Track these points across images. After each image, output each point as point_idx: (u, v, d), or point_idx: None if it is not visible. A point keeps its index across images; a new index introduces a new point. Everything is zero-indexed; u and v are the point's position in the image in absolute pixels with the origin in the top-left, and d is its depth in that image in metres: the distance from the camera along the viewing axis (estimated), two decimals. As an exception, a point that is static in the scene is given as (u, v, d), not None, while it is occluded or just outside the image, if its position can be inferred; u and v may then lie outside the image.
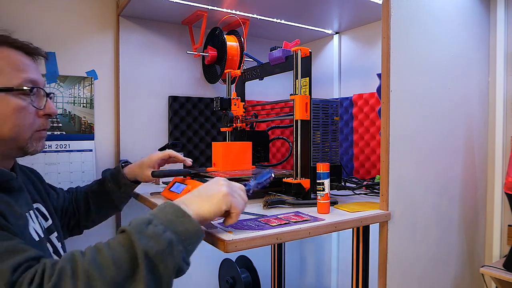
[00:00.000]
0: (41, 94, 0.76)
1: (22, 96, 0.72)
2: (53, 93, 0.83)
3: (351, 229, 1.00)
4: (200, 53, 1.58)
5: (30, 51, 0.76)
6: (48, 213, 0.85)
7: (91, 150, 1.48)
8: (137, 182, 1.11)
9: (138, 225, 0.57)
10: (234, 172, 1.12)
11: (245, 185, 0.75)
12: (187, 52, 1.59)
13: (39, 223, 0.78)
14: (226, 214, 0.69)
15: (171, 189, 1.07)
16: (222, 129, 1.33)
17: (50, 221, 0.84)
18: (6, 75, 0.70)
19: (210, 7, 1.42)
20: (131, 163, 1.12)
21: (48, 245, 0.79)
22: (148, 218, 0.59)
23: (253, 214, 0.88)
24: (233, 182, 0.73)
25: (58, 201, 0.98)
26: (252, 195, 0.81)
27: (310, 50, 1.03)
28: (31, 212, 0.77)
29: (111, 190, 1.09)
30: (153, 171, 1.05)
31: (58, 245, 0.85)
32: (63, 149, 1.43)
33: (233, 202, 0.68)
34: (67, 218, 1.03)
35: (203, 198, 0.67)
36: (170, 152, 1.11)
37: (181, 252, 0.58)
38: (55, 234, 0.84)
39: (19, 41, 0.74)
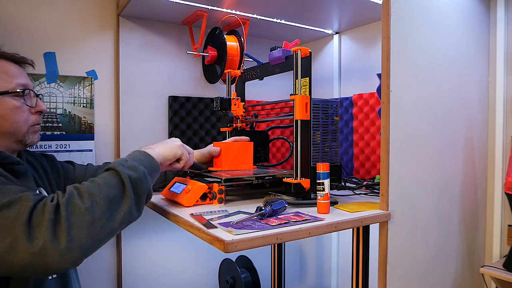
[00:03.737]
0: (31, 95, 0.90)
1: (16, 98, 0.86)
2: (42, 94, 1.05)
3: (351, 229, 1.00)
4: (200, 53, 1.58)
5: (18, 60, 0.90)
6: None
7: (91, 150, 1.48)
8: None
9: (118, 161, 0.78)
10: (236, 172, 1.12)
11: (262, 209, 0.86)
12: (187, 52, 1.59)
13: None
14: (178, 160, 0.98)
15: (171, 189, 1.07)
16: (222, 129, 1.33)
17: None
18: (1, 81, 0.84)
19: (210, 7, 1.42)
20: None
21: None
22: (125, 159, 0.81)
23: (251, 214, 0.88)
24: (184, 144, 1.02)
25: (74, 173, 1.08)
26: (253, 197, 0.79)
27: (310, 50, 1.03)
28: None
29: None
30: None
31: None
32: (63, 149, 1.43)
33: (184, 152, 0.99)
34: None
35: (165, 145, 0.95)
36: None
37: (149, 181, 0.80)
38: None
39: (8, 52, 0.88)
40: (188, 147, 1.04)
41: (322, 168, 0.91)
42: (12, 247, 0.62)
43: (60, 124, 1.43)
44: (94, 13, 1.49)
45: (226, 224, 0.79)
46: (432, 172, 1.10)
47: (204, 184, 1.00)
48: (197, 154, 1.20)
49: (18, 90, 0.85)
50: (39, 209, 0.65)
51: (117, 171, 0.75)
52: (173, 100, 1.63)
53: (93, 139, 1.49)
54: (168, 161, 0.94)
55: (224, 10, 1.45)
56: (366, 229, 1.02)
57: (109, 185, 0.72)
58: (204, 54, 1.57)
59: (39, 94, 0.94)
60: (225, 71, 1.40)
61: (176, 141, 0.98)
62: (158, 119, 1.62)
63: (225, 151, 1.17)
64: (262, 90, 1.84)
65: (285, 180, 1.03)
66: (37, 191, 0.89)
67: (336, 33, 1.81)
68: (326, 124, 1.07)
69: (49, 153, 1.07)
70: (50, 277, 0.84)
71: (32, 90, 0.90)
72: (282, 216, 0.87)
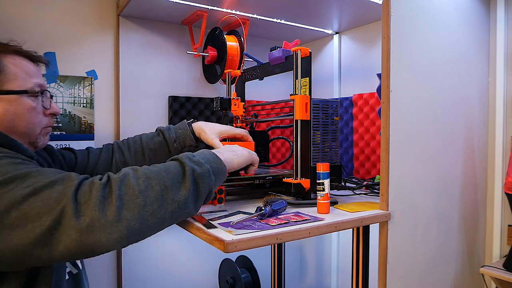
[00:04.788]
0: (47, 96, 0.88)
1: (33, 98, 0.83)
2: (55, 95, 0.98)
3: (351, 229, 1.00)
4: (200, 53, 1.58)
5: (36, 59, 0.88)
6: None
7: (91, 150, 1.48)
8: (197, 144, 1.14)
9: (185, 154, 0.76)
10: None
11: (262, 209, 0.86)
12: (187, 52, 1.59)
13: None
14: (247, 166, 0.97)
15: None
16: (222, 129, 1.33)
17: None
18: (20, 80, 0.81)
19: (210, 7, 1.42)
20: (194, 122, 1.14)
21: None
22: (192, 154, 0.78)
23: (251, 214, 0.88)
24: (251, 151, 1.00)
25: (77, 162, 1.05)
26: (253, 197, 0.83)
27: (310, 50, 1.03)
28: None
29: (175, 150, 1.11)
30: None
31: None
32: (63, 149, 1.42)
33: (255, 158, 0.97)
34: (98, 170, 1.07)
35: (234, 153, 0.91)
36: (243, 133, 1.15)
37: (213, 181, 0.76)
38: None
39: (25, 50, 0.85)
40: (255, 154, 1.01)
41: (322, 168, 0.91)
42: (59, 224, 0.60)
43: (60, 124, 1.43)
44: (94, 13, 1.49)
45: (226, 224, 0.79)
46: (432, 172, 1.10)
47: (204, 184, 1.00)
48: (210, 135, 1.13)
49: (36, 90, 0.83)
50: (85, 186, 0.64)
51: (182, 162, 0.73)
52: (173, 100, 1.63)
53: (93, 139, 1.49)
54: (234, 168, 0.90)
55: (224, 10, 1.45)
56: (366, 229, 1.02)
57: (168, 172, 0.70)
58: (204, 54, 1.57)
59: (53, 96, 0.92)
60: (225, 71, 1.40)
61: (244, 150, 0.95)
62: (158, 119, 1.62)
63: None
64: (262, 90, 1.84)
65: (285, 180, 1.03)
66: None
67: (336, 33, 1.81)
68: (326, 124, 1.07)
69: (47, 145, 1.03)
70: (67, 277, 0.84)
71: (49, 91, 0.88)
72: (282, 216, 0.87)
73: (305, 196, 1.02)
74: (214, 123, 1.16)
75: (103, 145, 1.12)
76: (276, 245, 1.65)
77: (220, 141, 1.13)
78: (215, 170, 0.78)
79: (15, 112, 0.79)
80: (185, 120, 1.15)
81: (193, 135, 1.13)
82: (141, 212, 0.65)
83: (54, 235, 0.60)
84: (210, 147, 1.11)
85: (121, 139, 1.53)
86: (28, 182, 0.63)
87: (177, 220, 0.71)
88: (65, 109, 1.44)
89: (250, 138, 1.20)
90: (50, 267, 0.74)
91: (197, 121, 1.16)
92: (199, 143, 1.14)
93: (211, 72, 1.62)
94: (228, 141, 1.23)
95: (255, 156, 0.98)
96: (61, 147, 1.42)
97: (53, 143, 1.40)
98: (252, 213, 0.86)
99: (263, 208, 0.86)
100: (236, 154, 0.90)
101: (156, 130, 1.15)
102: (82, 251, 0.61)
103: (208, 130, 1.12)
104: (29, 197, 0.61)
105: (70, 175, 0.66)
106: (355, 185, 1.26)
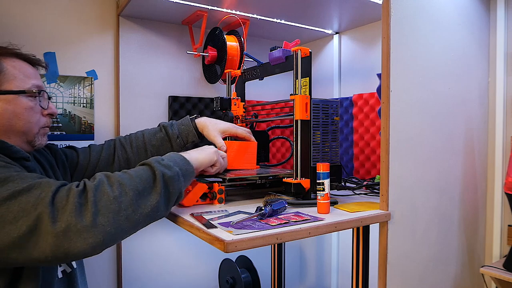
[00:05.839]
0: (45, 96, 0.90)
1: (31, 98, 0.86)
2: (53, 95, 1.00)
3: (351, 229, 1.00)
4: (200, 53, 1.58)
5: (34, 62, 0.91)
6: None
7: (91, 150, 1.48)
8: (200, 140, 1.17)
9: (154, 158, 0.81)
10: (239, 172, 1.12)
11: (262, 209, 0.87)
12: (187, 52, 1.59)
13: None
14: (211, 166, 1.00)
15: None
16: (222, 129, 1.33)
17: None
18: (19, 80, 0.84)
19: (210, 7, 1.42)
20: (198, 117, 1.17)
21: None
22: (161, 157, 0.83)
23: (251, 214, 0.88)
24: (218, 150, 1.06)
25: (78, 160, 1.07)
26: (253, 197, 0.86)
27: (310, 50, 1.03)
28: None
29: (177, 146, 1.13)
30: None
31: None
32: (63, 149, 1.42)
33: (219, 158, 1.02)
34: (100, 167, 1.09)
35: (200, 151, 0.97)
36: (246, 133, 1.19)
37: (182, 182, 0.81)
38: None
39: (24, 53, 0.89)
40: (222, 152, 1.06)
41: (322, 168, 0.91)
42: (36, 229, 0.62)
43: (60, 124, 1.43)
44: (94, 13, 1.49)
45: (226, 224, 0.79)
46: (432, 172, 1.10)
47: (204, 184, 1.00)
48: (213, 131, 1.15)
49: (34, 90, 0.86)
50: (63, 192, 0.66)
51: (151, 166, 0.77)
52: (173, 100, 1.63)
53: (93, 139, 1.49)
54: (203, 166, 0.95)
55: (224, 10, 1.45)
56: (366, 229, 1.02)
57: (140, 178, 0.74)
58: (204, 54, 1.57)
59: (51, 97, 0.94)
60: (225, 71, 1.40)
61: (211, 148, 1.01)
62: (158, 119, 1.61)
63: (229, 150, 1.16)
64: (262, 90, 1.84)
65: (285, 180, 1.03)
66: None
67: (336, 33, 1.81)
68: (326, 124, 1.07)
69: (50, 143, 1.04)
70: (57, 277, 0.84)
71: (46, 92, 0.91)
72: (282, 216, 0.87)
73: (305, 196, 1.02)
74: (218, 120, 1.17)
75: (105, 141, 1.13)
76: (276, 245, 1.65)
77: (223, 139, 1.14)
78: (184, 172, 0.83)
79: (13, 111, 0.82)
80: (188, 115, 1.16)
81: (196, 131, 1.13)
82: (116, 217, 0.68)
83: (30, 239, 0.63)
84: (212, 144, 1.12)
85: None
86: (7, 186, 0.65)
87: (150, 223, 0.75)
88: (65, 109, 1.44)
89: (253, 138, 1.20)
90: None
91: (201, 116, 1.17)
92: (202, 139, 1.15)
93: (211, 72, 1.62)
94: (231, 139, 1.23)
95: (217, 156, 1.00)
96: (62, 146, 1.42)
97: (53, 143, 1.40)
98: (252, 213, 0.86)
99: (263, 208, 0.86)
100: (201, 152, 0.97)
101: (159, 125, 1.16)
102: (58, 256, 0.64)
103: (211, 126, 1.14)
104: (7, 200, 0.64)
105: (48, 181, 0.68)
106: (355, 185, 1.26)
